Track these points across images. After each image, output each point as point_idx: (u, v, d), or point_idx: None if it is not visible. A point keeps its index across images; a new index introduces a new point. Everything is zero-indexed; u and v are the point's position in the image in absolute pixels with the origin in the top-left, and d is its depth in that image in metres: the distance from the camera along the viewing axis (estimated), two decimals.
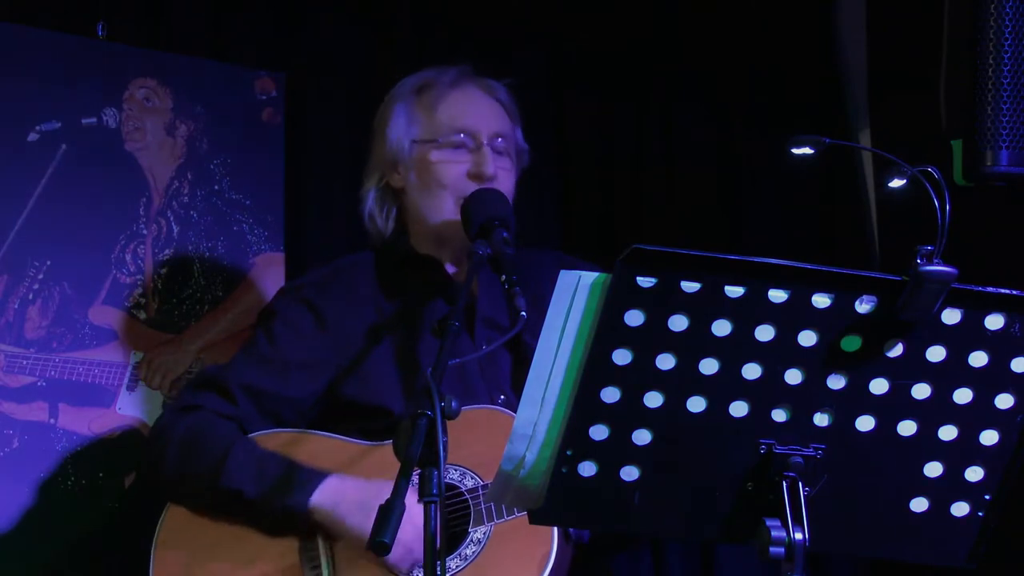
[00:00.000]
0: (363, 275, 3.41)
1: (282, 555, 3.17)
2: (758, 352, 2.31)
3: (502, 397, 3.24)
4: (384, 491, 3.03)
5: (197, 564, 3.19)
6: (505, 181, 3.34)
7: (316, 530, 3.16)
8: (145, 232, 4.03)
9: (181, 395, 3.44)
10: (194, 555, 3.20)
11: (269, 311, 3.46)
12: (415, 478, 2.48)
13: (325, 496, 3.11)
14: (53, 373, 3.88)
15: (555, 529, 3.03)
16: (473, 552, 3.06)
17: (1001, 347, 2.35)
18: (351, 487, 3.11)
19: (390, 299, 3.36)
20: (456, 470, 3.10)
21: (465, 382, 3.23)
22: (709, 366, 2.31)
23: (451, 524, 3.09)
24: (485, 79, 3.43)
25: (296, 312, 3.37)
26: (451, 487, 3.10)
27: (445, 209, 3.30)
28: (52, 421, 3.88)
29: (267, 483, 3.14)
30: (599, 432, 2.33)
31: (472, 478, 3.10)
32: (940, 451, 2.40)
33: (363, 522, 3.04)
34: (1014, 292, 2.33)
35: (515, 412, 2.34)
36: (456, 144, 3.33)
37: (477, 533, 3.07)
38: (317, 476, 3.14)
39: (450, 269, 3.38)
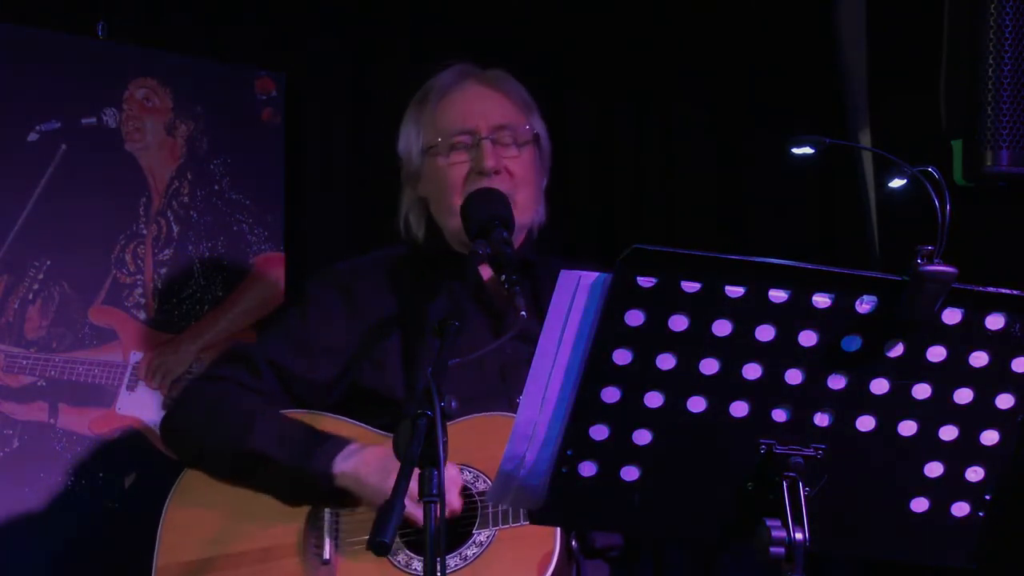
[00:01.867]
0: (397, 268, 3.43)
1: (288, 531, 3.18)
2: (758, 352, 2.31)
3: (520, 398, 3.24)
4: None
5: (204, 526, 3.21)
6: (517, 171, 3.33)
7: (326, 504, 3.18)
8: (145, 232, 4.03)
9: (209, 366, 3.47)
10: (203, 518, 3.22)
11: (303, 293, 3.49)
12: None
13: (348, 461, 3.14)
14: (53, 373, 3.88)
15: (558, 540, 3.03)
16: (474, 554, 3.07)
17: (1001, 347, 2.34)
18: (371, 453, 3.14)
19: (419, 295, 3.37)
20: (470, 472, 3.11)
21: (484, 382, 3.22)
22: (709, 366, 2.31)
23: (458, 524, 3.09)
24: (486, 72, 3.43)
25: (329, 297, 3.39)
26: (462, 488, 3.10)
27: (456, 212, 3.30)
28: (52, 421, 3.88)
29: (291, 447, 3.18)
30: (599, 432, 2.33)
31: (485, 482, 3.11)
32: (940, 451, 2.40)
33: (383, 481, 3.06)
34: (1014, 292, 2.33)
35: None
36: (456, 145, 3.34)
37: (481, 536, 3.08)
38: (341, 442, 3.17)
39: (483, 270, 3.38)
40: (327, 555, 3.15)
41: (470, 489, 3.11)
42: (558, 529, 3.04)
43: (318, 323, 3.37)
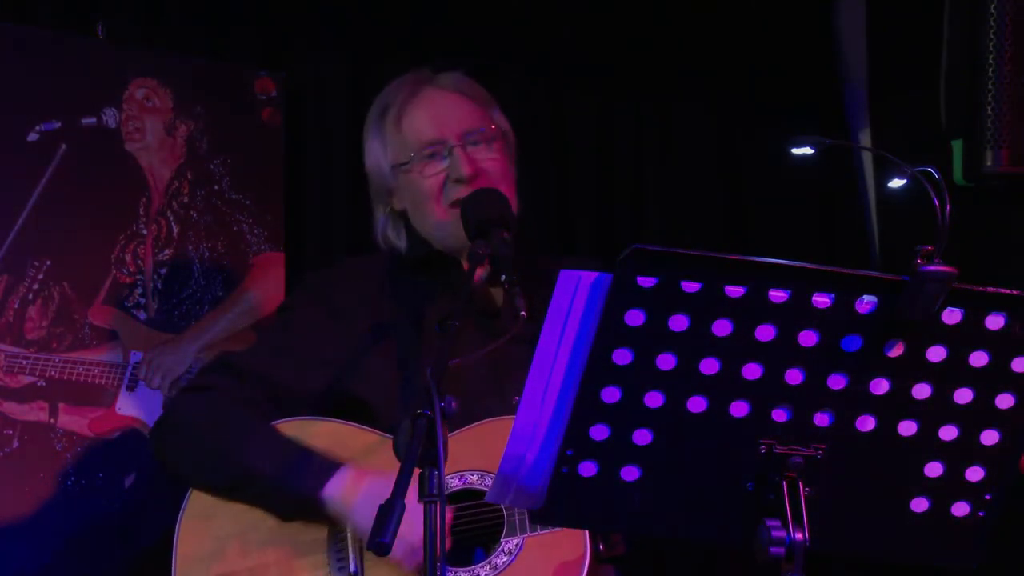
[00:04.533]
0: (383, 274, 3.39)
1: (312, 542, 3.15)
2: (758, 352, 2.31)
3: (517, 398, 3.23)
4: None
5: (222, 539, 3.17)
6: (494, 170, 3.29)
7: (321, 523, 3.15)
8: (145, 232, 4.03)
9: (197, 375, 3.42)
10: (219, 530, 3.17)
11: (289, 303, 3.46)
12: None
13: (336, 487, 3.10)
14: (53, 373, 3.88)
15: (587, 545, 3.02)
16: (504, 563, 3.05)
17: (1001, 347, 2.34)
18: (362, 480, 3.09)
19: (407, 299, 3.35)
20: (491, 479, 3.09)
21: (479, 382, 3.21)
22: (710, 366, 2.31)
23: (484, 533, 3.08)
24: (439, 76, 3.40)
25: (314, 306, 3.36)
26: (483, 495, 3.09)
27: (438, 218, 3.28)
28: (52, 421, 3.88)
29: (282, 469, 3.12)
30: (600, 432, 2.32)
31: None
32: (940, 451, 2.40)
33: (368, 516, 3.03)
34: (1014, 292, 2.33)
35: None
36: (428, 156, 3.31)
37: (509, 544, 3.06)
38: (332, 466, 3.12)
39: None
40: (353, 567, 3.13)
41: None
42: (587, 533, 3.03)
43: (302, 333, 3.32)
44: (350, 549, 3.12)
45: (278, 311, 3.48)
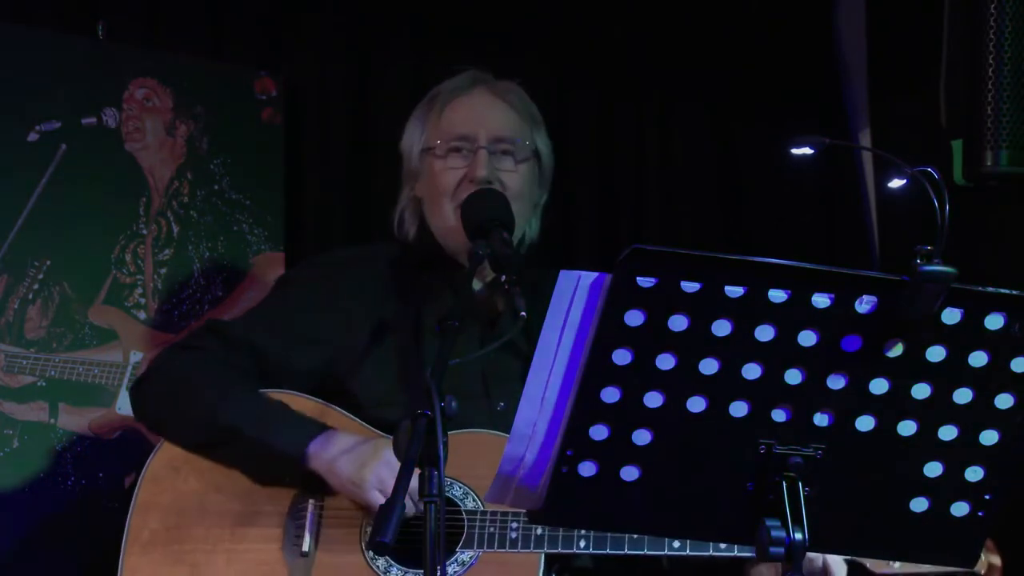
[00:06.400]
0: (385, 266, 3.40)
1: (271, 514, 3.16)
2: (758, 352, 2.31)
3: (501, 404, 3.24)
4: (377, 447, 3.05)
5: (183, 501, 3.18)
6: (512, 185, 3.30)
7: (307, 494, 3.15)
8: (145, 232, 4.03)
9: (186, 336, 3.43)
10: (183, 491, 3.19)
11: (288, 278, 3.47)
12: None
13: (322, 445, 3.11)
14: (53, 373, 3.89)
15: (540, 571, 3.03)
16: (454, 572, 3.07)
17: (1001, 347, 2.34)
18: (346, 441, 3.11)
19: (406, 295, 3.35)
20: (460, 487, 3.10)
21: (465, 387, 3.20)
22: (709, 366, 2.31)
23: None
24: (497, 82, 3.42)
25: (313, 286, 3.36)
26: (451, 502, 3.09)
27: (445, 217, 3.29)
28: (52, 421, 3.88)
29: (266, 424, 3.14)
30: (599, 432, 2.32)
31: (474, 500, 3.09)
32: (940, 451, 2.40)
33: (357, 471, 3.06)
34: (1014, 292, 2.33)
35: None
36: (453, 149, 3.33)
37: (464, 555, 3.07)
38: (319, 426, 3.14)
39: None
40: (306, 548, 3.13)
41: (459, 506, 3.10)
42: (542, 560, 3.04)
43: (299, 311, 3.33)
44: (307, 528, 3.13)
45: (277, 283, 3.48)
